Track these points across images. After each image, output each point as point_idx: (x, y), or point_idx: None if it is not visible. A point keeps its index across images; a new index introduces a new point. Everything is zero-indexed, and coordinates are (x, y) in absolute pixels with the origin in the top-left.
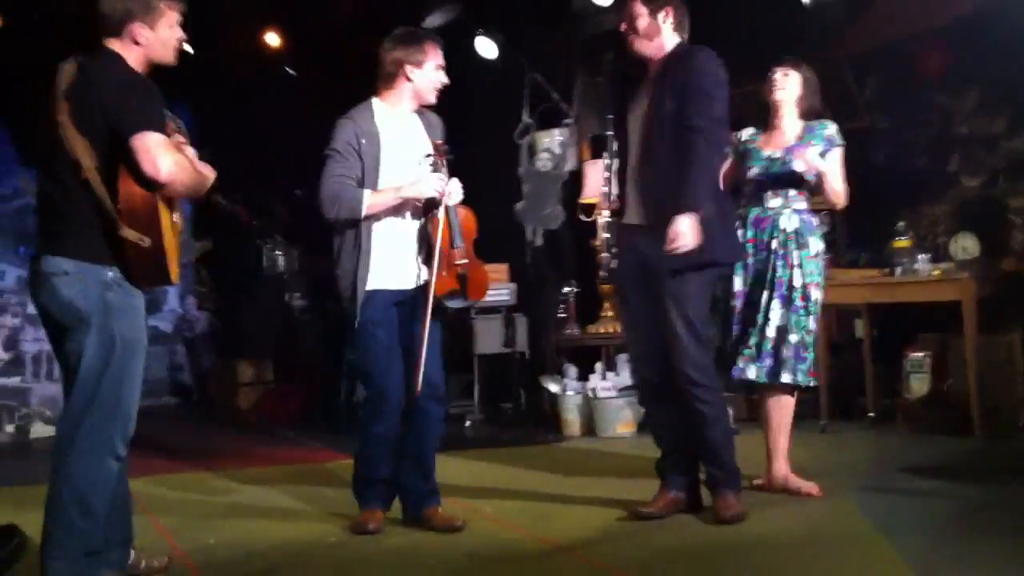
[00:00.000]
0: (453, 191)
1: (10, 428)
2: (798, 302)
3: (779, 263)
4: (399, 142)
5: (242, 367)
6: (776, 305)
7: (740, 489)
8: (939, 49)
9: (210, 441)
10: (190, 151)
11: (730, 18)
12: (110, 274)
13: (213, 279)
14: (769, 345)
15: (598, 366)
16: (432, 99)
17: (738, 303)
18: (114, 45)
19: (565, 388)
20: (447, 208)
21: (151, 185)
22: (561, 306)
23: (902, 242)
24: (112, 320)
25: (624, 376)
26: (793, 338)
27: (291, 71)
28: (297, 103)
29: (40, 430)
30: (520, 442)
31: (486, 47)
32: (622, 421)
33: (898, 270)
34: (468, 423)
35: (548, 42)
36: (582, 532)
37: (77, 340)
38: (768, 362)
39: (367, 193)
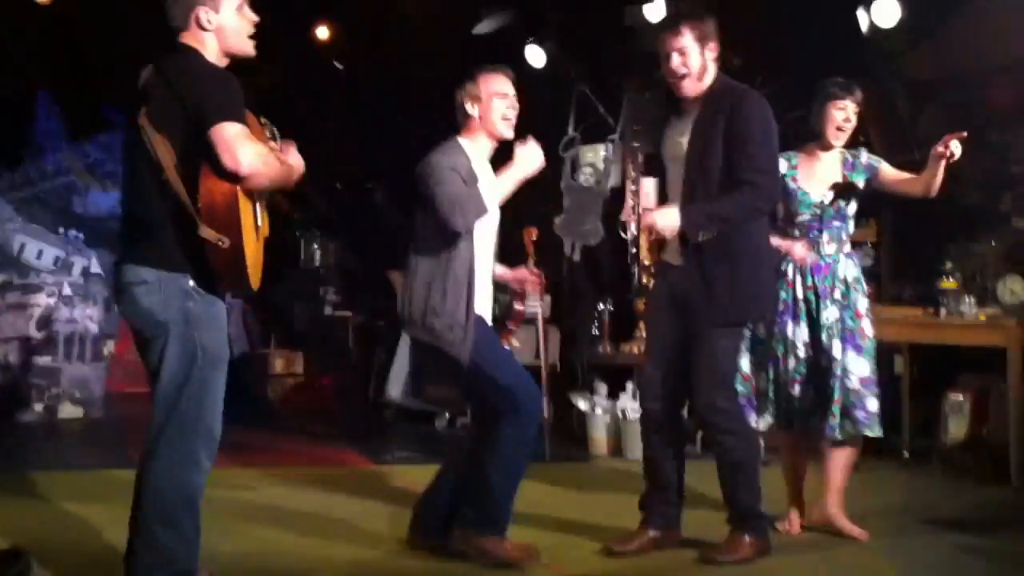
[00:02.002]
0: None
1: (39, 407)
2: (872, 350)
3: (847, 314)
4: (487, 181)
5: (273, 358)
6: (853, 355)
7: (758, 534)
8: (1003, 85)
9: (236, 432)
10: (291, 156)
11: (785, 44)
12: (191, 282)
13: None
14: (852, 397)
15: (629, 385)
16: (503, 132)
17: (803, 352)
18: (187, 40)
19: (594, 406)
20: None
21: (233, 178)
22: (595, 323)
23: (949, 283)
24: (194, 330)
25: None
26: (875, 388)
27: (339, 65)
28: (342, 97)
29: (68, 411)
30: (545, 458)
31: (535, 56)
32: None
33: (943, 311)
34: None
35: (599, 54)
36: (597, 568)
37: (158, 350)
38: (860, 415)
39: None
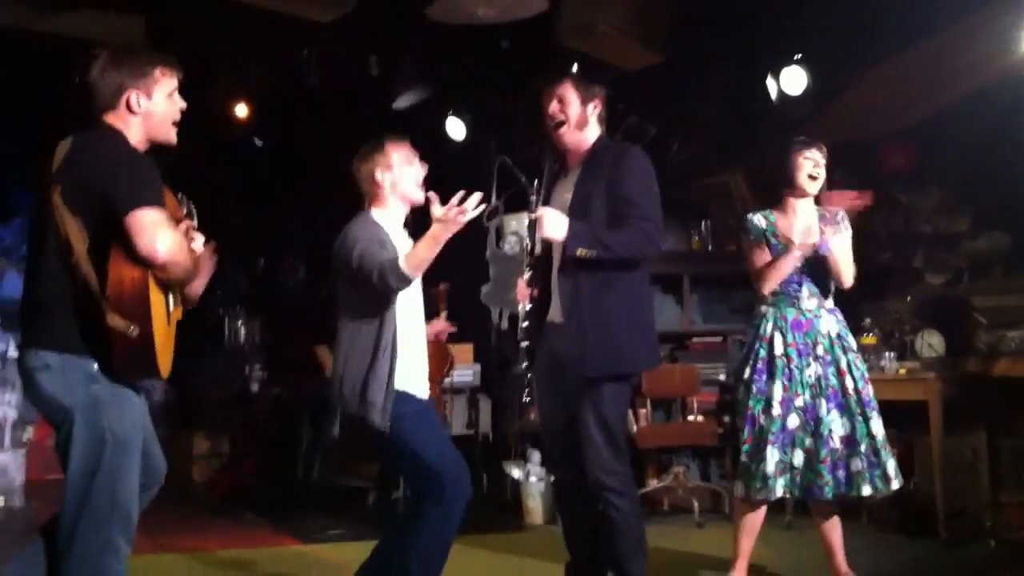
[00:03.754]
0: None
1: None
2: (856, 408)
3: (830, 370)
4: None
5: (197, 439)
6: (836, 415)
7: None
8: (903, 147)
9: (160, 517)
10: (199, 239)
11: (694, 109)
12: (95, 366)
13: None
14: (837, 457)
15: None
16: (417, 196)
17: (780, 411)
18: (111, 120)
19: (528, 474)
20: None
21: (148, 265)
22: (526, 390)
23: (868, 339)
24: (101, 415)
25: None
26: (863, 447)
27: (258, 141)
28: (263, 173)
29: None
30: (480, 529)
31: (455, 128)
32: None
33: None
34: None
35: (517, 125)
36: None
37: (64, 436)
38: (840, 474)
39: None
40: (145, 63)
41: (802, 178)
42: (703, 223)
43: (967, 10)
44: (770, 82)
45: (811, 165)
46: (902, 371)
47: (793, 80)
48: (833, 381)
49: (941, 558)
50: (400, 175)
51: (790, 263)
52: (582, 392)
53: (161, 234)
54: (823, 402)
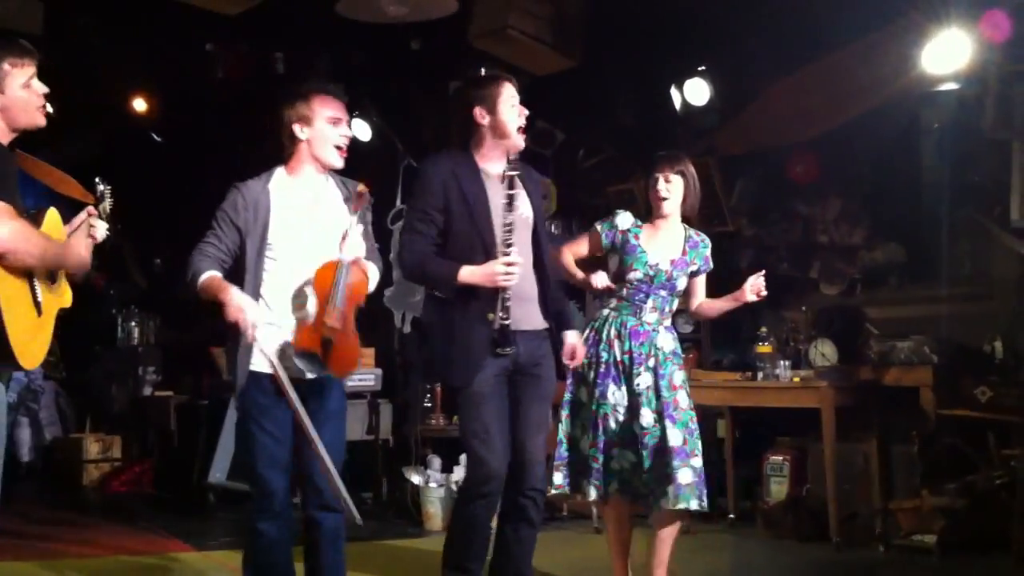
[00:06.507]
0: (351, 244)
1: None
2: (691, 424)
3: (663, 383)
4: (296, 211)
5: (89, 442)
6: (670, 425)
7: None
8: (805, 160)
9: (49, 523)
10: (99, 228)
11: (601, 118)
12: None
13: (63, 348)
14: (667, 470)
15: (463, 458)
16: (333, 161)
17: (623, 415)
18: None
19: (428, 480)
20: (340, 262)
21: None
22: (427, 395)
23: (764, 347)
24: None
25: None
26: (696, 462)
27: (157, 138)
28: (162, 169)
29: None
30: (379, 536)
31: (361, 129)
32: None
33: (760, 375)
34: None
35: (424, 127)
36: None
37: None
38: (671, 488)
39: (207, 274)
40: None
41: (652, 197)
42: None
43: (868, 28)
44: (674, 92)
45: (659, 185)
46: (796, 379)
47: (697, 91)
48: (666, 394)
49: (833, 563)
50: (318, 133)
51: (582, 283)
52: (542, 403)
53: None
54: (649, 411)
